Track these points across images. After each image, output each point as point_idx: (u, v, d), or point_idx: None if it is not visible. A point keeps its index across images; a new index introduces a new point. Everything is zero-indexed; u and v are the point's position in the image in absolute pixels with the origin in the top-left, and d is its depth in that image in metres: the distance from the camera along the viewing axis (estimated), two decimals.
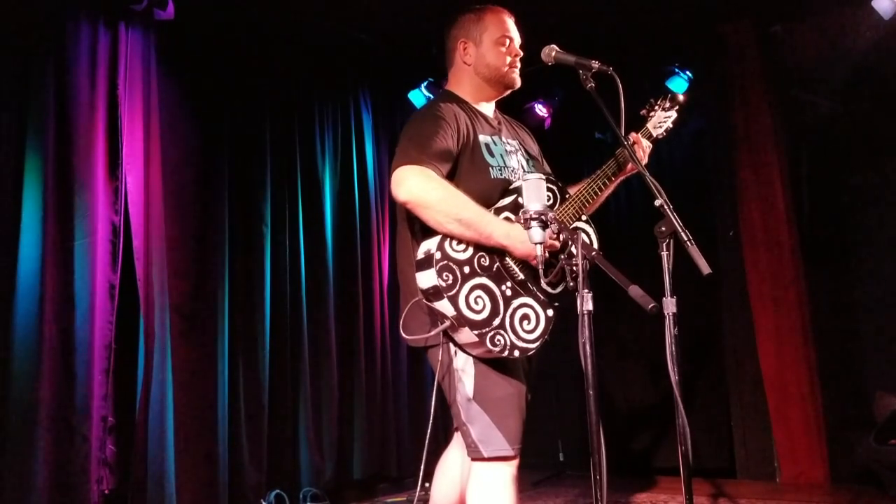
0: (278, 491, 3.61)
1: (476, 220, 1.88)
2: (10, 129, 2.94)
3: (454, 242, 1.89)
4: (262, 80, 3.98)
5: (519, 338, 1.90)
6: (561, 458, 4.85)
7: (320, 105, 4.29)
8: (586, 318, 1.59)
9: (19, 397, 2.81)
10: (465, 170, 2.02)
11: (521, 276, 1.94)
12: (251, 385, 3.66)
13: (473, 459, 1.95)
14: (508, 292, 1.92)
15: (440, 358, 1.92)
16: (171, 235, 3.40)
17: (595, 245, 2.10)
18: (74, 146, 3.10)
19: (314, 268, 4.07)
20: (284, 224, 3.95)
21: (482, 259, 1.91)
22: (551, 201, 2.07)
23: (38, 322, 2.87)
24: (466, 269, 1.88)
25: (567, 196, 2.11)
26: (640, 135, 2.29)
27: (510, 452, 1.91)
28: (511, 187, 2.05)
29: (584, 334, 1.59)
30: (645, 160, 2.24)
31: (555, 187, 2.11)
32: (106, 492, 3.01)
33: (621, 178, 2.25)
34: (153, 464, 3.14)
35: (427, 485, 2.16)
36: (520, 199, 1.98)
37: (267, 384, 3.71)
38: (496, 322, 1.87)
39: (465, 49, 2.18)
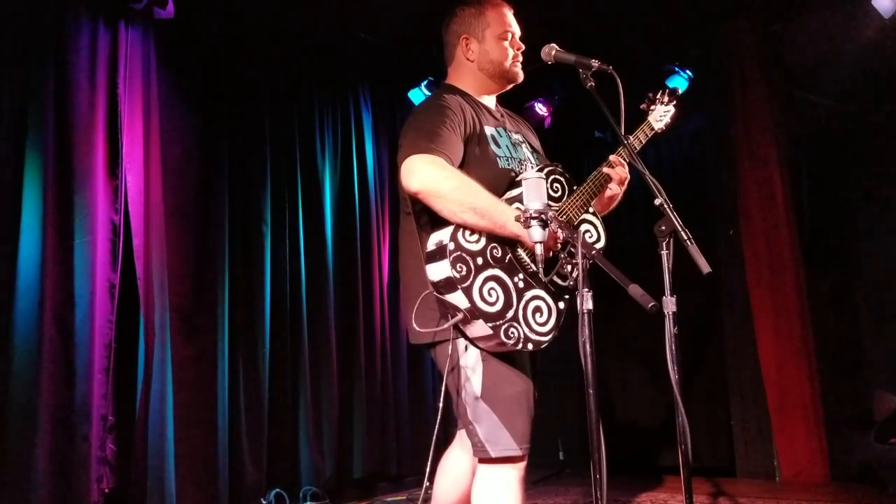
0: (278, 490, 3.61)
1: (491, 208, 1.84)
2: (10, 129, 2.94)
3: (467, 233, 1.86)
4: (261, 78, 3.98)
5: (532, 330, 1.86)
6: (561, 457, 4.86)
7: (320, 104, 4.29)
8: (586, 316, 1.58)
9: (19, 396, 2.80)
10: (473, 160, 1.99)
11: (533, 268, 1.91)
12: (251, 384, 3.65)
13: (480, 460, 1.90)
14: (521, 284, 1.89)
15: (448, 354, 1.87)
16: (171, 235, 3.40)
17: (603, 237, 2.09)
18: (74, 145, 3.09)
19: (314, 268, 4.06)
20: (284, 224, 3.94)
21: (495, 250, 1.88)
22: (560, 193, 2.05)
23: (38, 321, 2.87)
24: (480, 261, 1.84)
25: (575, 188, 2.08)
26: (636, 134, 2.26)
27: (518, 452, 1.86)
28: (518, 178, 1.99)
29: (584, 333, 1.58)
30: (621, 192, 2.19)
31: (563, 178, 2.08)
32: (106, 491, 3.01)
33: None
34: (153, 463, 3.14)
35: (428, 484, 2.15)
36: None
37: (267, 384, 3.70)
38: (510, 314, 1.83)
39: (467, 45, 2.16)
